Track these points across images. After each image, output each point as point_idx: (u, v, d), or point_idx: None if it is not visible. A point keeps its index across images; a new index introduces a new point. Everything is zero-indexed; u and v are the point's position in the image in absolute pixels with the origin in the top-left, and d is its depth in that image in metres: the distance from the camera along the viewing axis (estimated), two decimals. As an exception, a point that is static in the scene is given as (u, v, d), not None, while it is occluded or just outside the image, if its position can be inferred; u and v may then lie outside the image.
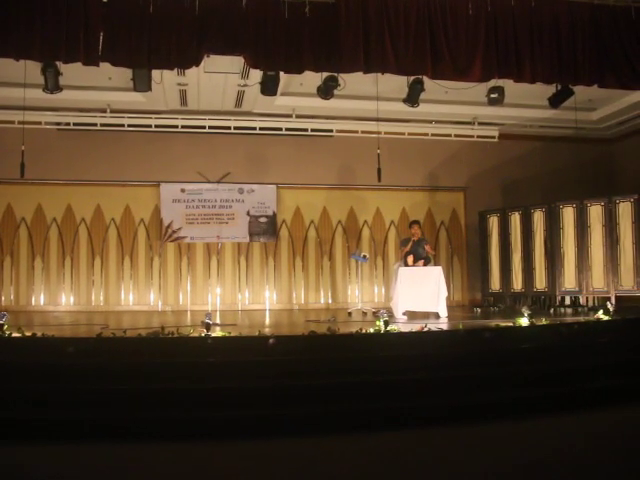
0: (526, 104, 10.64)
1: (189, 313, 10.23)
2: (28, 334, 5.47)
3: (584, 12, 7.88)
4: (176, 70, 8.51)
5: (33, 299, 10.81)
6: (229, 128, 11.22)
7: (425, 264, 8.76)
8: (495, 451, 4.09)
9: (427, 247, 8.88)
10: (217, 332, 5.72)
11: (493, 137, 11.99)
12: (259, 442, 4.25)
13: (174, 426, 4.43)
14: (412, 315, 8.27)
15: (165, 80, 9.38)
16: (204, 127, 11.15)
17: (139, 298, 11.07)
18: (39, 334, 5.48)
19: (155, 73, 8.47)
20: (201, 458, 3.97)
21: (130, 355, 5.15)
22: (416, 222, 9.14)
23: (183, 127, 11.12)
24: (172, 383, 4.79)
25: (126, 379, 4.78)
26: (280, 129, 11.32)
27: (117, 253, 11.10)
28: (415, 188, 11.93)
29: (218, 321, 7.77)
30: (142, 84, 8.21)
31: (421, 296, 8.27)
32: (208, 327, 5.64)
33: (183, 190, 11.21)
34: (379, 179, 8.48)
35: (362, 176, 11.16)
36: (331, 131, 11.54)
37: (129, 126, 10.94)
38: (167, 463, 3.89)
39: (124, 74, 8.44)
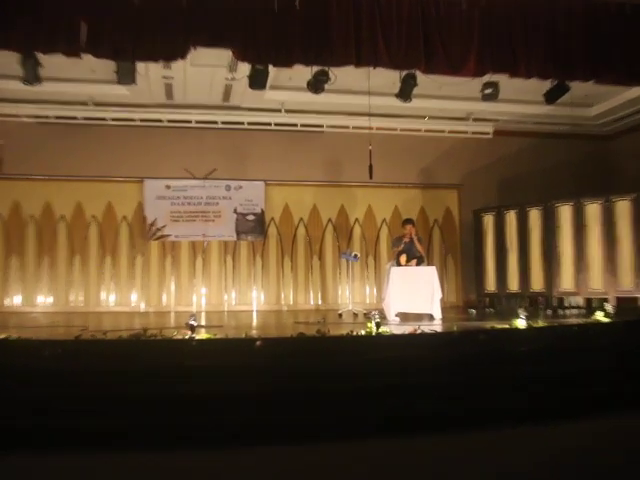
0: (521, 100, 10.65)
1: (173, 314, 10.20)
2: (2, 336, 5.38)
3: (579, 7, 7.92)
4: (162, 63, 8.40)
5: (8, 299, 10.69)
6: (216, 123, 11.19)
7: (418, 264, 8.78)
8: (492, 459, 4.07)
9: (420, 247, 8.93)
10: (202, 334, 5.69)
11: (488, 133, 12.06)
12: (245, 450, 4.20)
13: (156, 433, 4.37)
14: (405, 317, 8.28)
15: (150, 73, 9.32)
16: (190, 122, 11.11)
17: (121, 299, 11.01)
18: (14, 336, 5.40)
19: (140, 66, 8.40)
20: (184, 468, 3.90)
21: (110, 358, 5.09)
22: (410, 221, 9.16)
23: (168, 121, 11.07)
24: (154, 387, 4.73)
25: (106, 384, 4.72)
26: (269, 124, 11.30)
27: (98, 252, 11.03)
28: (408, 185, 11.96)
29: (203, 323, 7.74)
30: (126, 77, 8.14)
31: (414, 297, 8.30)
32: (193, 329, 5.61)
33: (168, 187, 11.17)
34: (371, 176, 8.48)
35: (353, 173, 11.12)
36: (321, 126, 11.54)
37: (112, 120, 10.88)
38: (146, 473, 3.81)
39: (107, 66, 8.33)
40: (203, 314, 10.05)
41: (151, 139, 11.07)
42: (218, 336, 5.69)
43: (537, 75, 7.89)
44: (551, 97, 9.22)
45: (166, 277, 11.20)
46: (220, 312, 10.83)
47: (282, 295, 11.51)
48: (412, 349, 5.70)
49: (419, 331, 6.00)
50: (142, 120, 10.97)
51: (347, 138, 11.44)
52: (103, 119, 10.83)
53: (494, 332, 6.26)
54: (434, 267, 8.74)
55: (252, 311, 11.16)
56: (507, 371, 5.51)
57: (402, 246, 8.83)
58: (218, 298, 11.28)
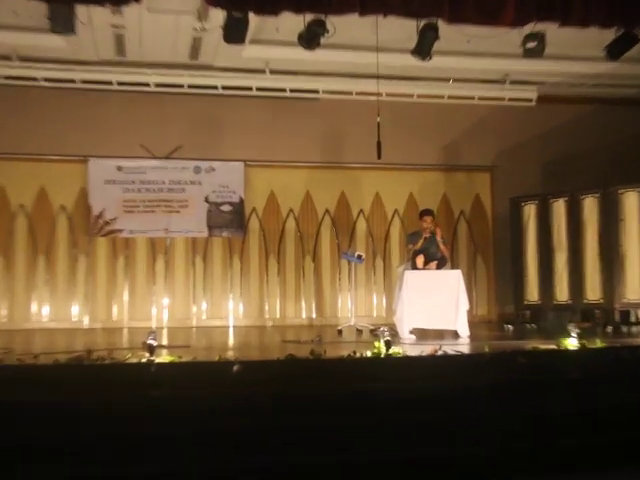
0: (575, 56, 10.64)
1: (126, 332, 10.20)
2: None
3: None
4: (109, 7, 8.32)
5: None
6: (182, 86, 11.20)
7: (439, 267, 8.81)
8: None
9: (442, 246, 8.93)
10: (164, 357, 5.70)
11: (530, 100, 12.03)
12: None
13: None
14: (422, 334, 8.31)
15: (95, 20, 9.29)
16: (148, 84, 11.11)
17: (57, 312, 11.02)
18: None
19: (81, 10, 8.33)
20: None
21: (43, 389, 5.03)
22: (428, 212, 9.17)
23: (120, 84, 11.05)
24: (101, 426, 4.70)
25: (36, 422, 4.65)
26: (249, 88, 11.33)
27: (27, 251, 11.05)
28: (427, 167, 12.01)
29: (165, 342, 7.80)
30: (62, 24, 8.09)
31: (434, 309, 8.31)
32: (152, 350, 5.61)
33: (120, 168, 11.18)
34: (379, 155, 8.50)
35: (357, 151, 11.18)
36: (316, 92, 11.57)
37: (45, 80, 10.85)
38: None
39: (37, 9, 8.25)
40: (165, 331, 10.08)
41: (97, 106, 11.07)
42: (184, 359, 5.67)
43: (597, 23, 7.87)
44: (615, 51, 9.19)
45: (117, 284, 11.21)
46: (187, 328, 10.87)
47: (266, 306, 11.54)
48: (431, 375, 5.69)
49: (440, 352, 6.00)
50: (85, 82, 10.95)
51: (349, 107, 11.46)
52: (33, 79, 10.76)
53: (537, 355, 6.25)
54: (459, 271, 8.75)
55: (228, 327, 11.22)
56: (554, 405, 5.50)
57: (419, 244, 8.84)
58: (184, 311, 11.32)
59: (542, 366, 6.04)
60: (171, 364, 5.51)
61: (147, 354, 5.58)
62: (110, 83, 11.03)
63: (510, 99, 12.02)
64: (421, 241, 8.82)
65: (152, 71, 11.01)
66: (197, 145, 11.31)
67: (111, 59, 10.74)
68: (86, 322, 11.02)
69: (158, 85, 11.15)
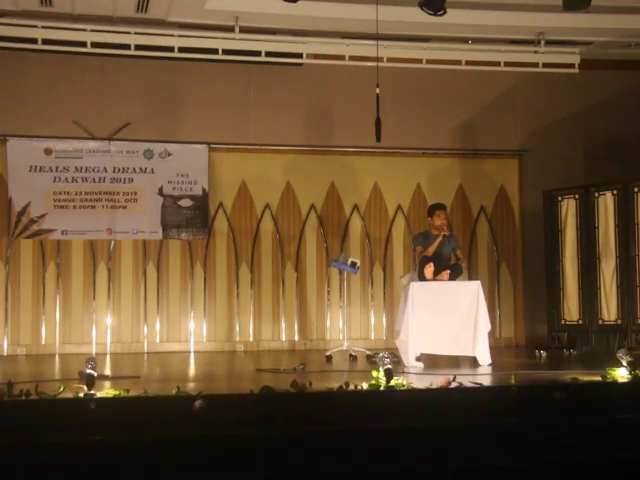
0: (629, 6, 10.56)
1: (58, 359, 10.18)
2: None
3: None
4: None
5: None
6: (128, 47, 11.11)
7: (454, 277, 8.83)
8: None
9: (458, 252, 9.04)
10: (106, 391, 5.67)
11: (571, 66, 11.91)
12: None
13: None
14: (432, 361, 8.36)
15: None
16: (84, 44, 10.98)
17: (-30, 335, 10.94)
18: None
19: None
20: None
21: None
22: (439, 207, 9.23)
23: (47, 42, 10.89)
24: None
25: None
26: (215, 51, 11.28)
27: None
28: (438, 152, 12.06)
29: (108, 372, 7.70)
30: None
31: (447, 330, 8.37)
32: (91, 382, 5.59)
33: (48, 151, 11.16)
34: (378, 137, 8.52)
35: (351, 132, 11.25)
36: (299, 56, 11.52)
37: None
38: None
39: None
40: (108, 358, 10.07)
41: (18, 72, 11.05)
42: (133, 393, 5.61)
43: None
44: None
45: (47, 299, 11.16)
46: (136, 355, 10.90)
47: (237, 327, 11.56)
48: (443, 413, 5.65)
49: (455, 385, 5.99)
50: (1, 39, 10.71)
51: (341, 75, 11.47)
52: None
53: (578, 388, 6.18)
54: (479, 282, 8.79)
55: (189, 352, 11.23)
56: (601, 453, 5.46)
57: (432, 247, 8.88)
58: (133, 332, 11.30)
59: (585, 403, 5.99)
60: (116, 399, 5.46)
61: (85, 387, 5.55)
62: (34, 41, 10.82)
63: (545, 65, 11.88)
64: (435, 244, 8.85)
65: (89, 27, 10.85)
66: (149, 123, 11.29)
67: (34, 9, 10.53)
68: (5, 347, 10.92)
69: (97, 45, 10.98)
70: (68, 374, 7.21)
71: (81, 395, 5.45)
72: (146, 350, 11.21)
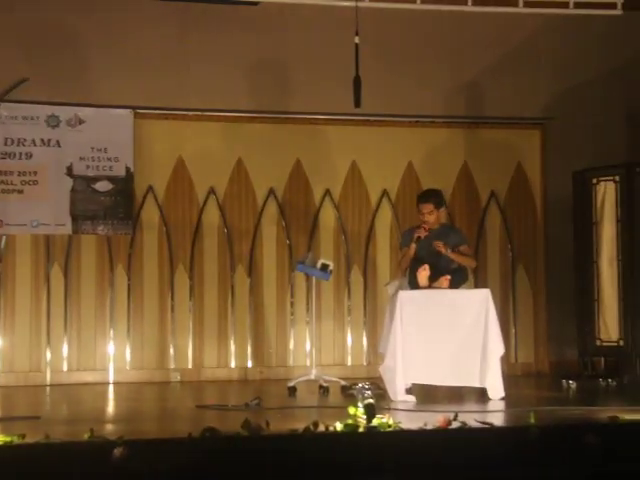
0: None
1: None
2: None
3: None
4: None
5: None
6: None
7: (455, 284, 8.92)
8: None
9: (463, 248, 9.20)
10: (-4, 436, 5.63)
11: (613, 5, 11.89)
12: None
13: None
14: (427, 394, 8.56)
15: None
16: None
17: None
18: None
19: None
20: None
21: None
22: (434, 195, 9.42)
23: None
24: None
25: None
26: (142, -16, 11.40)
27: None
28: (436, 121, 12.01)
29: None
30: None
31: (446, 353, 8.50)
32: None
33: None
34: (357, 102, 8.59)
35: (321, 94, 11.17)
36: (256, -8, 11.67)
37: None
38: None
39: None
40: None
41: None
42: (30, 439, 5.44)
43: None
44: None
45: None
46: (35, 387, 10.78)
47: (170, 350, 11.37)
48: (442, 462, 5.48)
49: (457, 424, 5.87)
50: None
51: (309, 19, 11.31)
52: None
53: (618, 429, 6.19)
54: (488, 291, 8.96)
55: (107, 384, 11.11)
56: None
57: (409, 250, 9.14)
58: (31, 358, 11.05)
59: (627, 449, 5.86)
60: (8, 448, 5.24)
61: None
62: None
63: (577, 4, 11.83)
64: (412, 247, 9.00)
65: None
66: (53, 79, 11.06)
67: None
68: None
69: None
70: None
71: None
72: (49, 382, 10.96)
